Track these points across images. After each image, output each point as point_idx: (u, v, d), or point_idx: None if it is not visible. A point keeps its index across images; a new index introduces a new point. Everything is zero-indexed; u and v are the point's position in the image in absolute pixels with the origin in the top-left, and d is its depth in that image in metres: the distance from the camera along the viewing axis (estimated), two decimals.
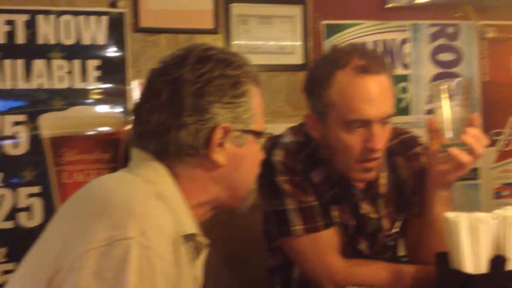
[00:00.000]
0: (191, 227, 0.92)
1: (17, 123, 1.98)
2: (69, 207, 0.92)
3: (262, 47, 2.31)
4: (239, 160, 0.98)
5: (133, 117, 1.01)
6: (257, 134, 1.00)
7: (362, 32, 2.37)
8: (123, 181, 0.93)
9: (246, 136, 0.98)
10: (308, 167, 1.40)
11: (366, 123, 1.29)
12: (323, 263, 1.37)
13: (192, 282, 0.97)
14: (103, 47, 2.09)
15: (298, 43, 2.34)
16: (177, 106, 0.92)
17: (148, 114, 0.94)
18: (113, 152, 2.07)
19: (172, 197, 0.91)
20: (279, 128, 1.48)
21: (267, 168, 1.33)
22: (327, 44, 2.32)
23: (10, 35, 1.99)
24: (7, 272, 1.93)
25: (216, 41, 2.22)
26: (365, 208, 1.45)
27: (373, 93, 1.29)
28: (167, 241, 0.82)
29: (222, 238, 1.72)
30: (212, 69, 0.94)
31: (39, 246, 0.89)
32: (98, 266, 0.75)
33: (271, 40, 2.32)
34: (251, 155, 1.01)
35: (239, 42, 2.27)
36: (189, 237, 0.92)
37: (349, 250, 1.44)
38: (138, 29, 2.15)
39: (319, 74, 1.35)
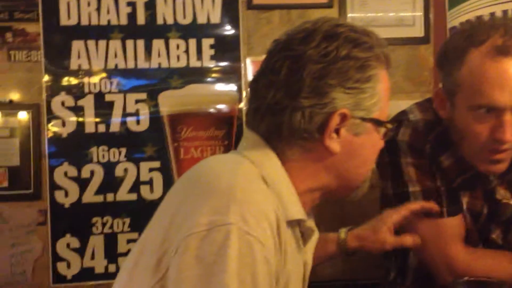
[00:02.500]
0: (298, 212, 0.88)
1: (138, 101, 2.09)
2: (179, 187, 0.92)
3: (380, 20, 2.20)
4: (355, 149, 0.91)
5: (249, 91, 0.96)
6: (379, 123, 0.92)
7: (491, 1, 2.17)
8: (230, 163, 0.90)
9: (365, 124, 0.90)
10: (438, 150, 1.29)
11: (496, 110, 1.16)
12: (444, 252, 1.27)
13: (300, 268, 0.94)
14: (218, 25, 2.12)
15: (419, 14, 2.21)
16: (295, 86, 0.86)
17: (264, 90, 0.89)
18: (227, 129, 2.11)
19: (278, 182, 0.87)
20: (396, 105, 1.37)
21: (391, 147, 1.26)
22: (451, 15, 2.16)
23: (131, 16, 2.08)
24: (131, 241, 2.07)
25: (330, 15, 2.15)
26: (502, 193, 1.33)
27: (509, 78, 1.15)
28: (269, 227, 0.79)
29: (335, 219, 1.69)
30: (339, 48, 0.86)
31: (152, 223, 0.90)
32: (199, 251, 0.75)
33: (390, 12, 2.20)
34: (369, 145, 0.93)
35: (354, 15, 2.18)
36: (295, 223, 0.89)
37: (479, 240, 1.34)
38: (251, 6, 2.15)
39: (452, 49, 1.22)
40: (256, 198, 0.81)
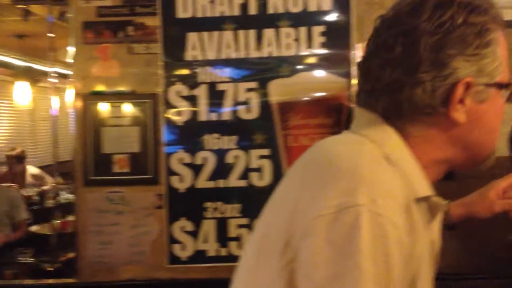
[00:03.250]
0: (425, 189, 0.85)
1: (249, 90, 2.13)
2: (297, 171, 0.91)
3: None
4: (480, 117, 0.86)
5: (359, 72, 0.93)
6: (503, 86, 0.87)
7: None
8: (349, 143, 0.88)
9: (489, 90, 0.85)
10: None
11: None
12: None
13: (428, 247, 0.90)
14: (328, 12, 2.10)
15: None
16: (412, 61, 0.82)
17: (378, 70, 0.86)
18: (336, 117, 2.09)
19: (403, 160, 0.84)
20: None
21: None
22: None
23: (244, 7, 2.13)
24: (241, 226, 2.12)
25: None
26: None
27: None
28: (399, 208, 0.77)
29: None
30: (454, 16, 0.82)
31: (272, 208, 0.89)
32: (329, 234, 0.73)
33: None
34: (494, 111, 0.88)
35: None
36: (422, 200, 0.85)
37: None
38: None
39: None
40: (383, 177, 0.79)
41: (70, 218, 4.25)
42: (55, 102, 6.84)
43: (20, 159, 5.43)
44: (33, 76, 6.10)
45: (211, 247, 2.16)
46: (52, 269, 3.16)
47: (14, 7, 4.33)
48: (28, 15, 4.34)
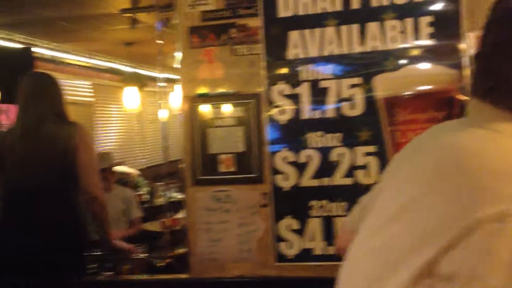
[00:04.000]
0: None
1: (353, 86, 2.09)
2: (423, 176, 0.81)
3: None
4: None
5: (476, 68, 0.86)
6: None
7: None
8: (486, 140, 0.78)
9: None
10: None
11: None
12: None
13: None
14: (436, 1, 2.01)
15: None
16: None
17: (504, 65, 0.78)
18: (447, 111, 1.99)
19: None
20: None
21: None
22: None
23: (346, 1, 2.10)
24: None
25: None
26: None
27: None
28: None
29: None
30: None
31: (392, 216, 0.81)
32: (491, 244, 0.66)
33: None
34: None
35: None
36: None
37: None
38: None
39: None
40: None
41: (179, 215, 4.43)
42: (162, 106, 7.18)
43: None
44: (140, 81, 6.42)
45: (318, 246, 2.14)
46: (162, 265, 3.29)
47: (122, 16, 4.59)
48: (135, 23, 4.58)
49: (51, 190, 2.63)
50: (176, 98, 7.24)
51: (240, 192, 2.23)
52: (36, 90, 2.76)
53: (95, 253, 3.18)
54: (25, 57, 4.76)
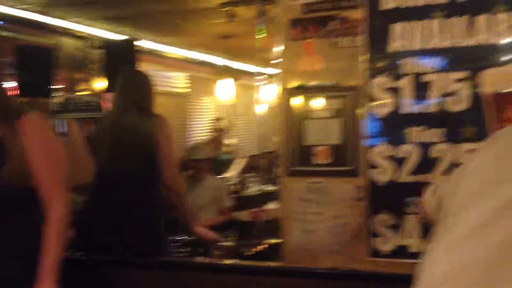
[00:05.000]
0: None
1: (458, 80, 2.02)
2: None
3: None
4: None
5: None
6: None
7: None
8: None
9: None
10: None
11: None
12: None
13: None
14: None
15: None
16: None
17: None
18: None
19: None
20: None
21: None
22: None
23: None
24: None
25: None
26: None
27: None
28: None
29: None
30: None
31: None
32: None
33: None
34: None
35: None
36: None
37: None
38: None
39: None
40: None
41: (268, 206, 4.50)
42: (258, 98, 7.30)
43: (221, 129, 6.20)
44: (234, 74, 6.57)
45: (414, 243, 2.10)
46: (250, 254, 3.36)
47: (220, 11, 4.71)
48: (233, 17, 4.68)
49: (133, 177, 2.79)
50: (268, 92, 7.36)
51: (335, 185, 2.23)
52: (126, 84, 2.97)
53: (185, 238, 3.31)
54: (128, 50, 5.01)
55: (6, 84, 4.27)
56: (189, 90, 7.08)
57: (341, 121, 2.23)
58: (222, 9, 4.62)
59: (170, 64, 6.66)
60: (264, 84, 7.38)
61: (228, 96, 6.40)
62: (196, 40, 6.36)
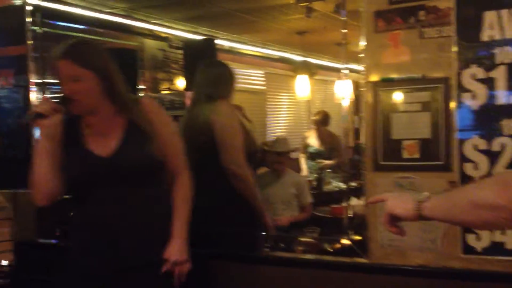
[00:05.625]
0: None
1: None
2: None
3: None
4: None
5: None
6: None
7: None
8: None
9: None
10: None
11: None
12: None
13: None
14: None
15: None
16: None
17: None
18: None
19: None
20: None
21: None
22: None
23: None
24: None
25: None
26: None
27: None
28: None
29: None
30: None
31: None
32: None
33: None
34: None
35: None
36: None
37: None
38: None
39: None
40: None
41: (348, 203, 4.44)
42: (335, 93, 7.23)
43: (324, 122, 6.11)
44: (310, 70, 6.54)
45: (510, 240, 2.00)
46: (331, 250, 3.33)
47: (297, 6, 4.70)
48: (310, 12, 4.66)
49: (205, 169, 2.71)
50: (346, 86, 7.28)
51: (425, 180, 2.16)
52: (200, 76, 2.97)
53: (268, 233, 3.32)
54: (208, 48, 5.12)
55: None
56: (266, 87, 7.13)
57: (430, 114, 2.17)
58: (300, 4, 4.61)
59: (247, 61, 6.74)
60: (342, 78, 7.31)
61: (305, 92, 6.38)
62: (272, 37, 6.39)
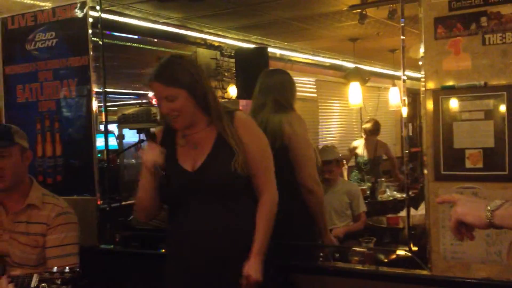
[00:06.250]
0: None
1: None
2: None
3: None
4: None
5: None
6: None
7: None
8: None
9: None
10: None
11: None
12: None
13: None
14: None
15: None
16: None
17: None
18: None
19: None
20: None
21: None
22: None
23: None
24: None
25: None
26: None
27: None
28: None
29: None
30: None
31: None
32: None
33: None
34: None
35: None
36: None
37: None
38: None
39: None
40: None
41: (404, 213, 4.35)
42: (388, 100, 7.12)
43: (374, 131, 6.07)
44: (362, 77, 6.46)
45: None
46: (386, 260, 3.27)
47: (350, 13, 4.67)
48: (364, 18, 4.62)
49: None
50: (398, 94, 7.16)
51: (489, 190, 2.09)
52: (263, 83, 2.87)
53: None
54: (260, 57, 5.14)
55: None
56: (317, 94, 7.10)
57: (493, 123, 2.10)
58: (353, 11, 4.58)
59: (298, 69, 6.73)
60: (396, 85, 7.19)
61: (358, 99, 6.31)
62: (323, 44, 6.37)
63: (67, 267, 1.98)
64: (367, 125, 6.18)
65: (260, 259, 2.04)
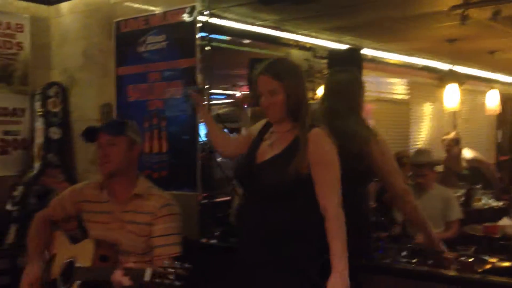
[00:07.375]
0: None
1: None
2: None
3: None
4: None
5: None
6: None
7: None
8: None
9: None
10: None
11: None
12: None
13: None
14: None
15: None
16: None
17: None
18: None
19: None
20: None
21: None
22: None
23: None
24: None
25: None
26: None
27: None
28: None
29: None
30: None
31: None
32: None
33: None
34: None
35: None
36: None
37: None
38: None
39: None
40: None
41: (502, 222, 4.16)
42: (485, 104, 6.83)
43: (456, 142, 5.91)
44: (459, 79, 6.23)
45: None
46: (485, 270, 3.15)
47: (451, 13, 4.52)
48: (466, 19, 4.45)
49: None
50: (494, 97, 6.85)
51: None
52: (333, 85, 2.80)
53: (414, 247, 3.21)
54: (353, 58, 5.09)
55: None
56: (409, 96, 6.93)
57: None
58: (454, 12, 4.43)
59: (391, 70, 6.60)
60: (487, 90, 6.90)
61: (454, 102, 6.09)
62: (419, 45, 6.20)
63: (177, 263, 2.05)
64: (449, 137, 6.00)
65: (338, 276, 2.02)
